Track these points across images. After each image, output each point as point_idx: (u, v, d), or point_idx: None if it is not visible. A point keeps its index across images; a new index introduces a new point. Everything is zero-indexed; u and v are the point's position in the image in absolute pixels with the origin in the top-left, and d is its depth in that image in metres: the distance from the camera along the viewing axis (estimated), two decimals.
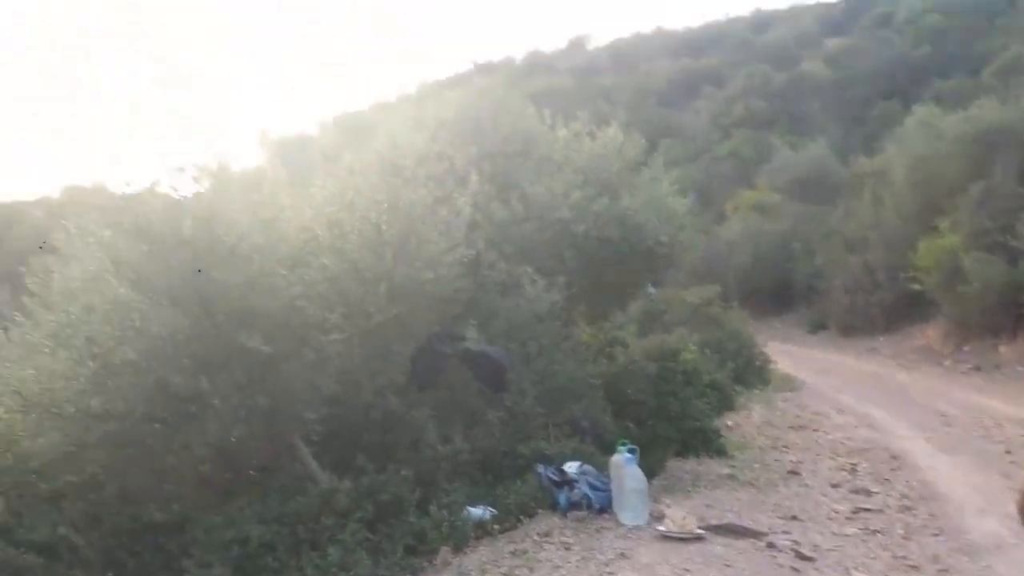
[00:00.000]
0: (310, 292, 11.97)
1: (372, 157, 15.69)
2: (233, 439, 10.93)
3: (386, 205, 13.80)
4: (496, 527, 10.48)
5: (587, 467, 11.26)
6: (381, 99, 59.97)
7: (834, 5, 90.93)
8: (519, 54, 77.78)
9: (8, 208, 69.74)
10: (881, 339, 32.93)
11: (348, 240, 13.06)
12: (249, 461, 11.90)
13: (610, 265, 15.60)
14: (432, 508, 10.46)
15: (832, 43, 80.00)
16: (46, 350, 11.30)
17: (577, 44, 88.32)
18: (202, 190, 12.22)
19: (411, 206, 13.47)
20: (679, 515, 9.84)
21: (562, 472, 11.16)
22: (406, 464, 11.14)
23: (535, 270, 13.64)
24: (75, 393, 10.85)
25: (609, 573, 8.50)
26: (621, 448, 10.85)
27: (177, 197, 11.89)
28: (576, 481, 10.87)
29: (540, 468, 11.43)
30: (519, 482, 11.35)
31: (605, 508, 10.56)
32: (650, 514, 10.17)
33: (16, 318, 11.88)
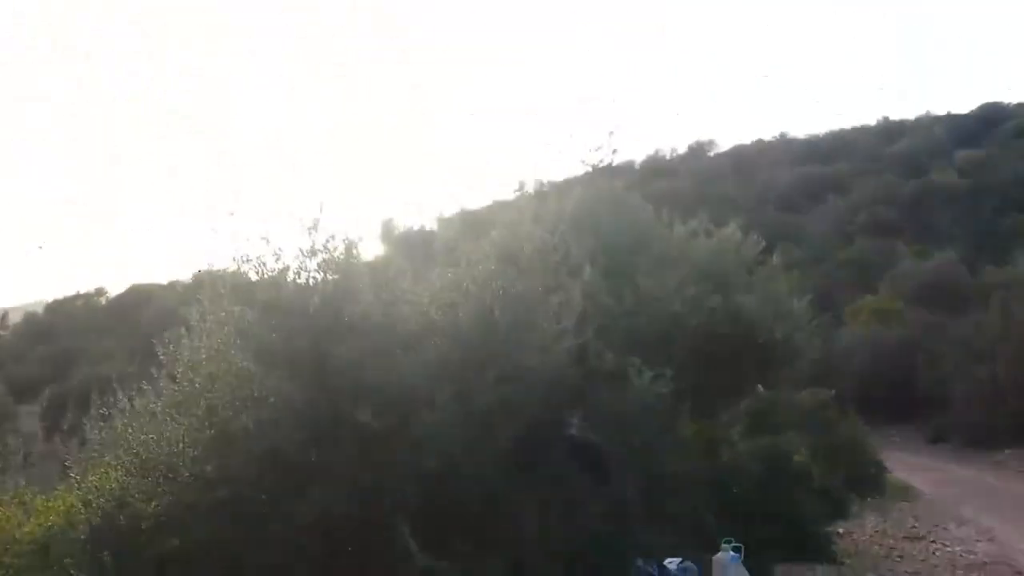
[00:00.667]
0: (422, 372, 12.37)
1: (489, 247, 16.15)
2: (336, 512, 11.14)
3: (501, 292, 14.25)
4: None
5: (688, 564, 10.91)
6: (500, 197, 61.57)
7: (965, 116, 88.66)
8: (640, 157, 78.66)
9: (141, 289, 74.90)
10: (1008, 452, 31.06)
11: (461, 324, 13.47)
12: (348, 535, 12.06)
13: (721, 361, 15.39)
14: None
15: (963, 154, 77.71)
16: (168, 417, 12.02)
17: (698, 150, 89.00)
18: (330, 275, 12.99)
19: (524, 293, 13.83)
20: None
21: (663, 568, 10.84)
22: (503, 547, 11.08)
23: (643, 362, 13.57)
24: (191, 459, 11.41)
25: None
26: (725, 546, 10.51)
27: (305, 279, 12.70)
28: None
29: (639, 562, 11.15)
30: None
31: None
32: None
33: (143, 387, 12.63)
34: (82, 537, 11.26)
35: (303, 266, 12.38)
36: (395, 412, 11.47)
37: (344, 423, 11.15)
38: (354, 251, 12.84)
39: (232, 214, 12.04)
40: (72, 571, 11.04)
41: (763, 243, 17.11)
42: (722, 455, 15.58)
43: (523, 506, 12.01)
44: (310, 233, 12.26)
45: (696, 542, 12.20)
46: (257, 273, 12.10)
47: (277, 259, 12.17)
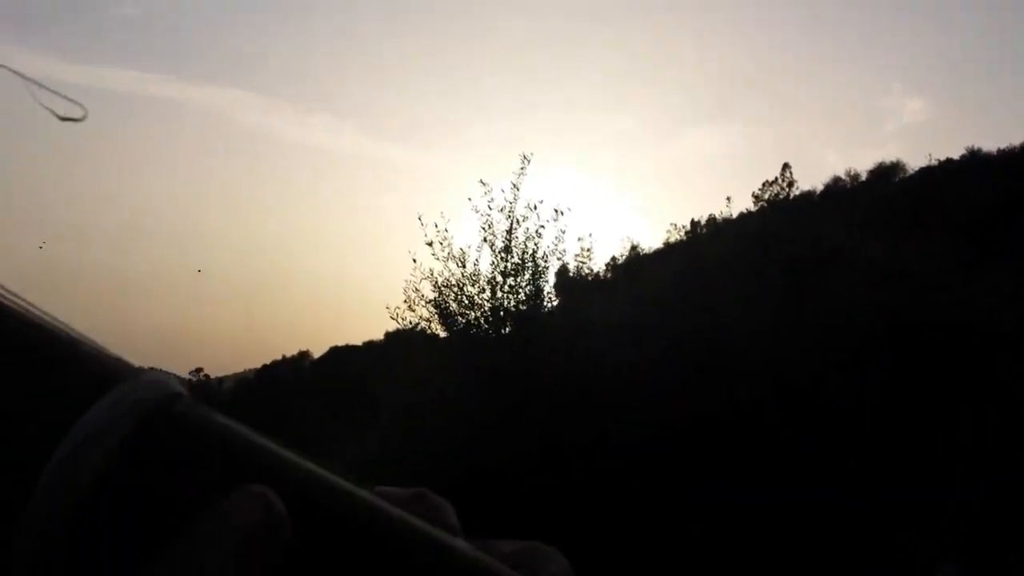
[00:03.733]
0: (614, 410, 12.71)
1: (676, 265, 16.32)
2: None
3: (685, 310, 14.41)
4: None
5: None
6: (672, 238, 61.48)
7: None
8: (819, 187, 75.97)
9: (340, 351, 79.77)
10: None
11: (647, 341, 13.71)
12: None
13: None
14: None
15: None
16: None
17: (882, 173, 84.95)
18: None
19: (708, 310, 13.92)
20: None
21: None
22: None
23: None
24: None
25: None
26: None
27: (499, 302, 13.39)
28: None
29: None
30: None
31: None
32: None
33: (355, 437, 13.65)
34: None
35: (498, 286, 13.02)
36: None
37: (546, 439, 11.66)
38: (541, 272, 13.42)
39: (431, 243, 12.87)
40: None
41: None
42: None
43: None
44: (504, 256, 12.97)
45: None
46: (456, 299, 12.90)
47: (474, 283, 12.95)
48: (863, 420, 12.42)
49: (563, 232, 13.57)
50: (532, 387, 12.32)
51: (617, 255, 61.30)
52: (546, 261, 13.50)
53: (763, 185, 64.22)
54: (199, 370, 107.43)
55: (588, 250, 15.32)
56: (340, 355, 77.64)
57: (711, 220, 65.48)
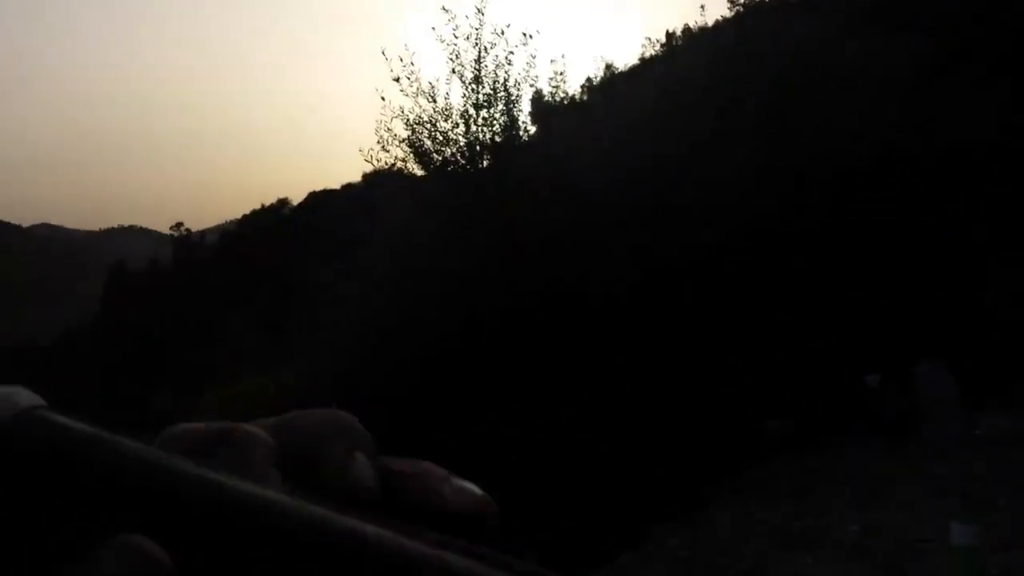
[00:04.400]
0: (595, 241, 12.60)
1: (647, 93, 15.82)
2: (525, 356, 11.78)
3: (662, 135, 14.05)
4: None
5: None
6: (647, 53, 59.26)
7: None
8: None
9: (319, 196, 78.97)
10: None
11: (626, 174, 13.47)
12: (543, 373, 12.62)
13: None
14: None
15: None
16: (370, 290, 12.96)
17: None
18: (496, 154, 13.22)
19: (686, 134, 13.57)
20: None
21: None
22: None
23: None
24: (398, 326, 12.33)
25: None
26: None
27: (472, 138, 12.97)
28: None
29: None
30: None
31: None
32: None
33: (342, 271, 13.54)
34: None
35: (471, 119, 12.57)
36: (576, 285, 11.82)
37: (537, 276, 11.66)
38: (513, 100, 12.91)
39: (398, 79, 12.27)
40: None
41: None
42: None
43: None
44: (473, 87, 12.43)
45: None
46: (430, 136, 12.45)
47: (446, 117, 12.46)
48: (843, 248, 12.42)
49: (533, 57, 12.99)
50: (511, 222, 12.18)
51: (592, 76, 59.61)
52: (519, 89, 12.99)
53: None
54: (179, 224, 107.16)
55: (561, 74, 14.77)
56: (319, 200, 77.08)
57: (687, 31, 63.16)
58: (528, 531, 9.68)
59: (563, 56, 14.97)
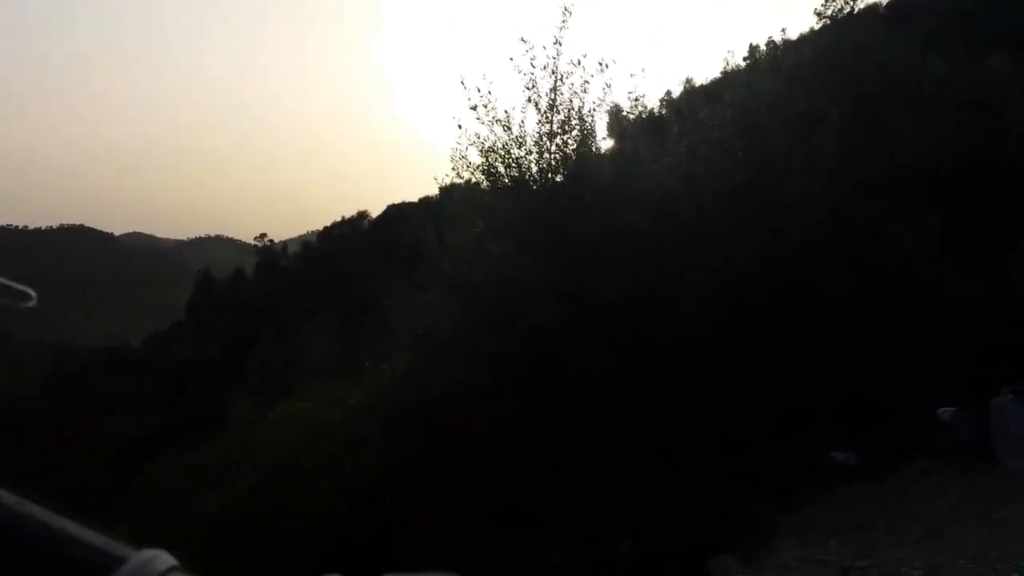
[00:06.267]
0: (666, 242, 12.45)
1: (725, 110, 15.62)
2: (590, 372, 11.66)
3: (740, 154, 13.84)
4: None
5: (962, 412, 10.27)
6: (730, 66, 58.58)
7: None
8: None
9: (397, 208, 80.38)
10: None
11: (702, 192, 13.32)
12: (605, 391, 12.52)
13: (990, 201, 13.92)
14: None
15: None
16: (441, 303, 13.08)
17: None
18: (571, 153, 13.25)
19: (765, 152, 13.36)
20: None
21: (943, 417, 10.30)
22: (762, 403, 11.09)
23: (902, 210, 12.68)
24: (468, 339, 12.39)
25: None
26: (1004, 390, 9.79)
27: (547, 162, 13.05)
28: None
29: (941, 412, 10.64)
30: None
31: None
32: None
33: (416, 284, 13.73)
34: (382, 412, 12.79)
35: (544, 148, 12.70)
36: (644, 282, 11.69)
37: (591, 293, 11.57)
38: (589, 126, 12.99)
39: (475, 108, 12.48)
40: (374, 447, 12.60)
41: None
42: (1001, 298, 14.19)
43: (780, 361, 11.83)
44: (548, 115, 12.55)
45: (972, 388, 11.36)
46: (503, 162, 12.61)
47: (520, 145, 12.61)
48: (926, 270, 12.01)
49: (608, 86, 13.00)
50: (584, 244, 12.19)
51: (672, 90, 59.21)
52: (593, 117, 13.02)
53: (825, 0, 60.49)
54: (263, 235, 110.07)
55: (639, 97, 14.77)
56: (397, 213, 78.35)
57: (770, 44, 62.18)
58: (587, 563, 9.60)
59: (643, 70, 14.88)
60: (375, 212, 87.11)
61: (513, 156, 12.62)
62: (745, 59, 63.29)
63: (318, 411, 13.70)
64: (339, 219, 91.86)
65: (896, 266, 12.51)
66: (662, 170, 13.98)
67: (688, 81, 66.01)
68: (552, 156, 12.74)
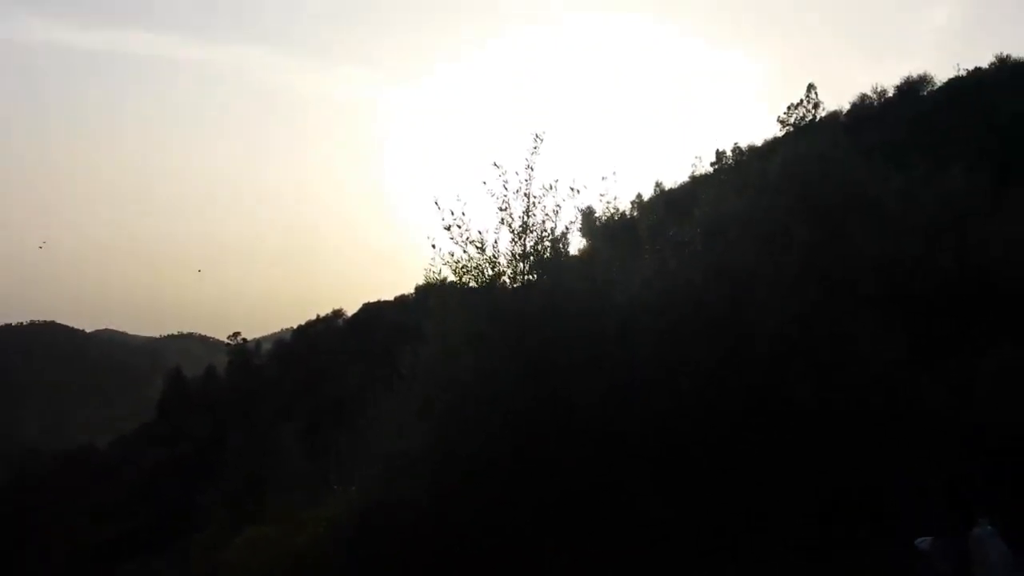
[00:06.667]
0: (638, 359, 12.56)
1: (693, 226, 15.98)
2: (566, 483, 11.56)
3: (712, 271, 14.10)
4: None
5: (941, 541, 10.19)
6: (698, 171, 60.39)
7: None
8: (845, 107, 73.74)
9: (372, 307, 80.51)
10: None
11: (674, 306, 13.51)
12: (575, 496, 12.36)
13: (955, 315, 14.21)
14: None
15: None
16: (413, 422, 12.98)
17: (909, 90, 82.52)
18: (543, 276, 13.42)
19: (735, 269, 13.63)
20: None
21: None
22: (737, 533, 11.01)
23: (870, 322, 12.90)
24: (441, 457, 12.26)
25: None
26: (982, 523, 9.73)
27: (520, 282, 13.22)
28: None
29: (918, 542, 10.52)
30: None
31: None
32: None
33: (387, 394, 13.64)
34: (347, 539, 12.47)
35: (517, 270, 12.90)
36: (617, 400, 11.73)
37: (564, 408, 11.59)
38: (561, 248, 13.23)
39: (449, 228, 12.67)
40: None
41: (989, 184, 15.57)
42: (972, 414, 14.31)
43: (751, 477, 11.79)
44: (520, 237, 12.78)
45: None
46: (476, 282, 12.76)
47: (493, 266, 12.79)
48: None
49: (579, 211, 13.32)
50: (557, 349, 12.26)
51: (643, 193, 60.37)
52: (566, 237, 13.27)
53: (788, 108, 62.81)
54: (236, 334, 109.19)
55: (612, 201, 15.06)
56: (372, 311, 78.43)
57: (736, 150, 64.28)
58: None
59: (614, 173, 15.19)
60: (351, 310, 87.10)
61: (487, 276, 12.79)
62: (712, 164, 65.49)
63: (283, 538, 13.39)
64: (314, 318, 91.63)
65: (862, 374, 12.64)
66: (632, 279, 14.20)
67: (658, 184, 67.91)
68: (523, 277, 12.94)
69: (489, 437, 11.96)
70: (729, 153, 61.41)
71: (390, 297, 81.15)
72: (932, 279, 13.49)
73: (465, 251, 12.78)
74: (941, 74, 60.53)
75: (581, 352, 12.29)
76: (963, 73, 59.73)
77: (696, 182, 57.40)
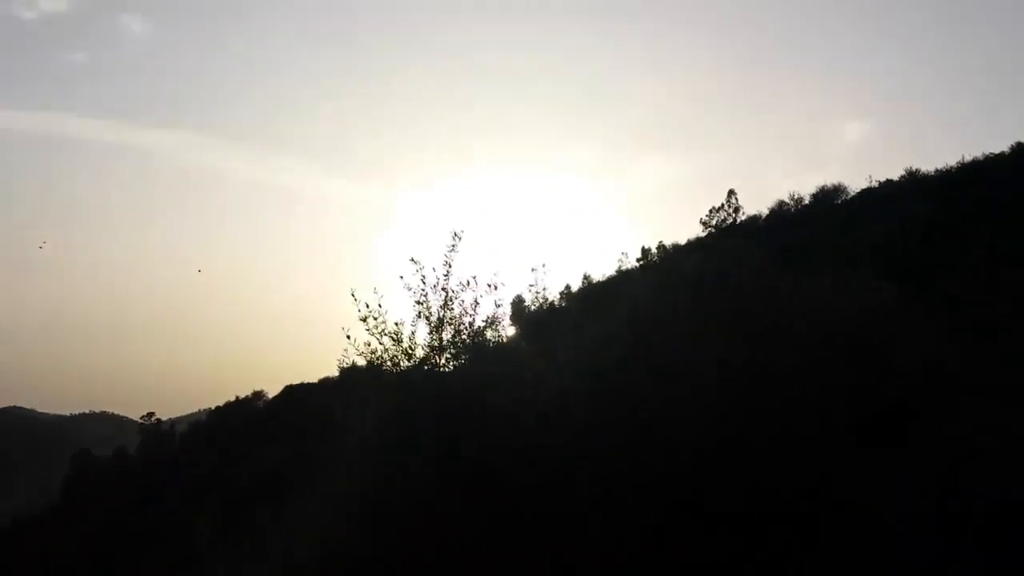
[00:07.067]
0: (556, 454, 12.80)
1: (617, 323, 16.51)
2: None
3: (636, 368, 14.54)
4: None
5: None
6: (623, 265, 62.02)
7: None
8: (765, 211, 76.83)
9: (295, 389, 78.77)
10: None
11: (598, 400, 13.85)
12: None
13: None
14: None
15: None
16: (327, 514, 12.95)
17: (824, 198, 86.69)
18: (463, 364, 13.70)
19: (658, 368, 14.09)
20: None
21: None
22: None
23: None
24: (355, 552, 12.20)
25: None
26: None
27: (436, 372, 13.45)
28: None
29: None
30: None
31: None
32: None
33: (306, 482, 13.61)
34: None
35: (434, 361, 13.16)
36: (530, 498, 11.91)
37: (478, 508, 11.71)
38: (480, 340, 13.51)
39: (365, 319, 12.84)
40: None
41: (895, 288, 16.49)
42: None
43: None
44: (437, 330, 13.06)
45: None
46: (391, 373, 12.92)
47: (409, 357, 13.00)
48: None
49: (499, 306, 13.57)
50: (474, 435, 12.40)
51: (572, 284, 61.55)
52: (486, 330, 13.56)
53: (710, 211, 65.38)
54: (150, 414, 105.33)
55: (541, 291, 15.47)
56: (296, 393, 76.64)
57: (660, 248, 66.34)
58: None
59: (544, 264, 15.63)
60: (272, 392, 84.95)
61: (402, 367, 12.99)
62: (638, 260, 67.37)
63: None
64: (232, 399, 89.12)
65: (786, 487, 12.93)
66: (554, 375, 14.53)
67: (587, 277, 69.39)
68: (441, 367, 13.19)
69: (404, 531, 11.96)
70: (654, 250, 63.27)
71: (314, 378, 79.69)
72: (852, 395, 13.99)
73: (380, 343, 12.98)
74: (855, 184, 63.85)
75: (502, 439, 12.47)
76: (875, 184, 63.02)
77: (622, 276, 58.88)
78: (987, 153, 55.11)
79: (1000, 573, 11.03)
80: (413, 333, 13.10)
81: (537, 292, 16.06)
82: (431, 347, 13.16)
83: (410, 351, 13.03)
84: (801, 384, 14.34)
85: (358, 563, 12.23)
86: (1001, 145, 55.53)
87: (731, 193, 58.30)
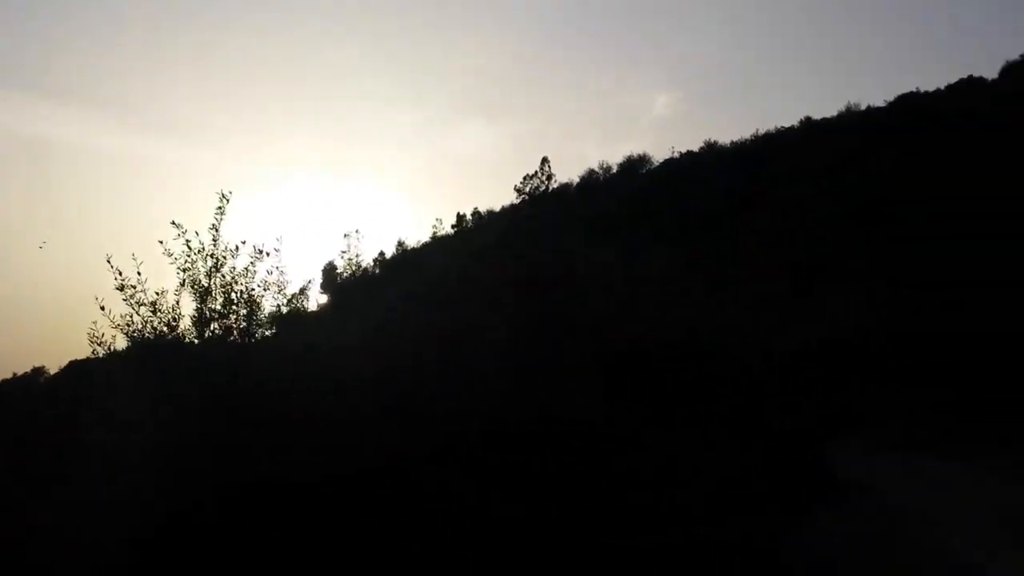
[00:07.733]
0: (349, 420, 12.29)
1: (415, 284, 16.18)
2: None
3: (426, 331, 14.26)
4: None
5: None
6: (439, 232, 62.23)
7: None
8: (575, 179, 79.24)
9: (80, 365, 73.84)
10: None
11: (390, 367, 13.44)
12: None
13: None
14: None
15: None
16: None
17: (630, 167, 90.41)
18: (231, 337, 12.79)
19: (446, 331, 13.86)
20: None
21: None
22: None
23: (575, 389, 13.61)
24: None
25: None
26: None
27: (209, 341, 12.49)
28: None
29: None
30: None
31: None
32: None
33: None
34: None
35: (201, 333, 12.20)
36: (316, 468, 11.36)
37: (257, 484, 11.09)
38: (255, 308, 12.64)
39: (122, 288, 11.69)
40: None
41: (684, 260, 17.26)
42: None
43: None
44: (203, 299, 12.08)
45: None
46: (149, 345, 11.83)
47: (172, 328, 11.97)
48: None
49: (277, 268, 12.65)
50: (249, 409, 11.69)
51: (385, 251, 60.92)
52: (262, 297, 12.65)
53: (524, 178, 66.54)
54: None
55: (354, 258, 14.88)
56: (80, 369, 71.17)
57: (475, 214, 66.98)
58: None
59: (357, 230, 14.99)
60: (53, 369, 78.70)
61: (168, 340, 11.91)
62: (453, 227, 67.72)
63: None
64: (9, 376, 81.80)
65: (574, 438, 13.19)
66: (355, 332, 14.07)
67: (401, 243, 69.00)
68: (212, 337, 12.21)
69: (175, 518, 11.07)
70: (469, 217, 63.78)
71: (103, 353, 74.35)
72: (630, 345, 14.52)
73: (138, 313, 11.82)
74: (659, 155, 67.01)
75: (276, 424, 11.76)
76: (677, 155, 66.42)
77: (435, 242, 59.16)
78: (779, 127, 59.63)
79: None
80: (178, 303, 11.97)
81: (349, 259, 15.39)
82: (200, 316, 12.10)
83: (173, 323, 11.91)
84: (581, 327, 14.69)
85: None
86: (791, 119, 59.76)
87: (544, 161, 59.45)
